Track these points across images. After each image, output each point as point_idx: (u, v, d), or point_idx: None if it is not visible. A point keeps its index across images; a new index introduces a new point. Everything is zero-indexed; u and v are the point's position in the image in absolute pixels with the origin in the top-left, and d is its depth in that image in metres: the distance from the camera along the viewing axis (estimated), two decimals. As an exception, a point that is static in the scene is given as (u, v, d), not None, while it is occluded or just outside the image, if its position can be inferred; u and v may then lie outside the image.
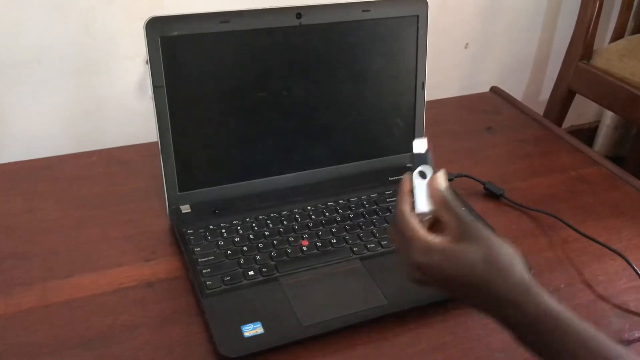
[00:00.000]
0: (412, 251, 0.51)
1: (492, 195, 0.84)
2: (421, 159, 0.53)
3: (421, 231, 0.51)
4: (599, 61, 1.29)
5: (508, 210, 0.82)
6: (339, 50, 0.78)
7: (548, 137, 1.02)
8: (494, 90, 1.17)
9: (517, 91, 1.18)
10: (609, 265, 0.73)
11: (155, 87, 0.70)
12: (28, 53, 1.07)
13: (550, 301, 0.48)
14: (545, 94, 1.65)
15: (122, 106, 1.18)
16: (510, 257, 0.49)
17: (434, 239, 0.51)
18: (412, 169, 0.54)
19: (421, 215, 0.53)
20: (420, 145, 0.54)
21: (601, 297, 0.68)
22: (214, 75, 0.73)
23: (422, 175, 0.52)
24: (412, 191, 0.53)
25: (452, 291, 0.51)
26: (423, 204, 0.51)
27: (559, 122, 1.41)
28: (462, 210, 0.51)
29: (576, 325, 0.47)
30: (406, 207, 0.53)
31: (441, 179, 0.53)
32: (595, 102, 1.34)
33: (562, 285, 0.69)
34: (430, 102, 1.06)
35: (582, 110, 1.77)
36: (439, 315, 0.64)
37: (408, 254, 0.51)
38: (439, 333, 0.62)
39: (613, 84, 1.25)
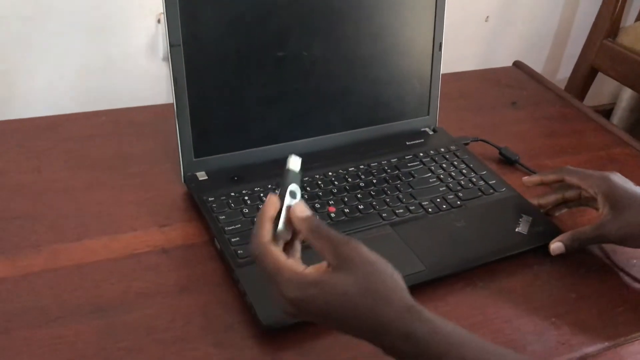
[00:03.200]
0: (282, 285, 0.45)
1: (507, 161, 0.83)
2: (293, 177, 0.49)
3: (288, 262, 0.46)
4: (625, 39, 1.25)
5: (522, 176, 0.78)
6: (359, 8, 0.75)
7: (575, 115, 0.98)
8: (517, 64, 1.14)
9: (535, 68, 1.16)
10: (642, 248, 0.70)
11: (172, 46, 0.66)
12: (37, 7, 1.03)
13: (440, 322, 0.45)
14: (563, 72, 1.61)
15: (132, 67, 1.14)
16: (391, 281, 0.46)
17: (305, 270, 0.46)
18: (281, 188, 0.49)
19: (284, 234, 0.48)
20: (295, 162, 0.50)
21: (637, 282, 0.65)
22: (232, 33, 0.69)
23: (293, 195, 0.48)
24: (274, 216, 0.48)
25: (333, 325, 0.46)
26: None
27: (579, 101, 1.37)
28: (334, 233, 0.46)
29: (471, 344, 0.44)
30: (265, 238, 0.47)
31: (303, 205, 0.49)
32: (619, 81, 1.30)
33: (594, 268, 0.66)
34: (453, 74, 1.03)
35: (597, 92, 1.74)
36: (468, 294, 0.61)
37: (278, 288, 0.46)
38: (468, 313, 0.60)
39: (639, 63, 1.21)
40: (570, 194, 0.70)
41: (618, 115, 1.74)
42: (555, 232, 0.68)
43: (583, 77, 1.32)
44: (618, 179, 0.66)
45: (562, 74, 1.64)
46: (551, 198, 0.71)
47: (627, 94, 1.70)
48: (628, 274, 0.66)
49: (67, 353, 0.52)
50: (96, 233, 0.64)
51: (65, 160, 0.75)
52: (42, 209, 0.67)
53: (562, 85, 1.51)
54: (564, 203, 0.71)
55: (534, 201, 0.72)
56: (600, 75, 1.37)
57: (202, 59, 0.68)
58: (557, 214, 0.73)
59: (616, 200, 0.63)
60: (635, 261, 0.68)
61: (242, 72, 0.71)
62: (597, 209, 0.69)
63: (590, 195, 0.67)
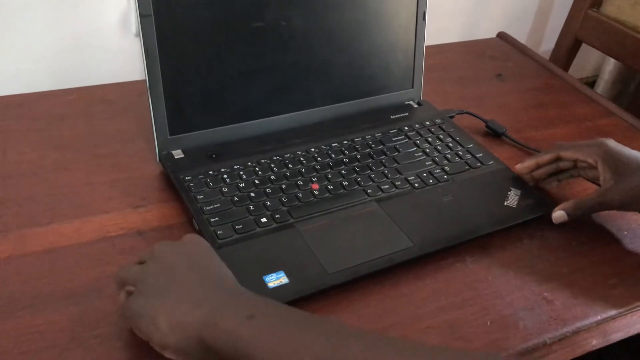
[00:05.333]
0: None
1: (494, 133, 0.81)
2: None
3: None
4: (609, 9, 1.23)
5: (509, 149, 0.79)
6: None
7: (561, 86, 0.97)
8: (501, 36, 1.11)
9: (518, 40, 1.14)
10: (632, 219, 0.68)
11: (143, 17, 0.63)
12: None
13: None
14: (547, 44, 1.59)
15: (103, 42, 1.09)
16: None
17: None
18: None
19: None
20: None
21: (629, 253, 0.64)
22: (206, 3, 0.66)
23: None
24: None
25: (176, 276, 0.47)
26: None
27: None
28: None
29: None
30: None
31: None
32: (603, 51, 1.28)
33: (585, 241, 0.65)
34: (436, 47, 1.01)
35: (580, 64, 1.72)
36: (458, 271, 0.60)
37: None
38: (458, 290, 0.58)
39: (623, 33, 1.19)
40: (564, 164, 0.68)
41: (601, 88, 1.73)
42: (544, 205, 0.67)
43: (567, 48, 1.30)
44: (614, 144, 0.64)
45: (545, 46, 1.62)
46: (545, 169, 0.69)
47: (609, 65, 1.69)
48: (619, 246, 0.65)
49: (38, 343, 0.49)
50: (67, 216, 0.61)
51: (33, 141, 0.71)
52: (9, 192, 0.64)
53: (546, 57, 1.49)
54: (555, 174, 0.70)
55: (526, 175, 0.70)
56: (582, 48, 1.36)
57: (175, 30, 0.65)
58: (547, 187, 0.71)
59: (617, 165, 0.62)
60: (626, 232, 0.66)
61: (217, 44, 0.67)
62: (589, 179, 0.68)
63: (588, 164, 0.65)
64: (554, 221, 0.64)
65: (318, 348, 0.38)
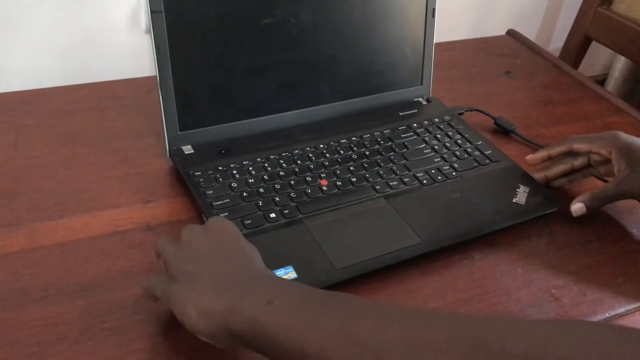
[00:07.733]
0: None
1: (502, 131, 0.81)
2: None
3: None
4: (620, 7, 1.22)
5: (518, 146, 0.79)
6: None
7: (571, 83, 0.96)
8: (511, 33, 1.11)
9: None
10: (641, 218, 0.68)
11: (153, 13, 0.63)
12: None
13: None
14: (557, 42, 1.59)
15: (113, 39, 1.10)
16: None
17: None
18: None
19: None
20: None
21: (637, 251, 0.64)
22: (217, -1, 0.66)
23: None
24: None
25: (207, 265, 0.48)
26: None
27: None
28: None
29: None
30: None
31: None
32: (613, 49, 1.28)
33: (593, 238, 0.65)
34: (445, 44, 1.01)
35: (590, 62, 1.72)
36: (465, 267, 0.60)
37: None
38: (465, 286, 0.58)
39: (634, 31, 1.18)
40: (578, 162, 0.68)
41: (611, 86, 1.73)
42: (552, 202, 0.67)
43: (577, 46, 1.29)
44: (626, 135, 0.65)
45: (555, 44, 1.62)
46: (559, 168, 0.69)
47: (620, 63, 1.69)
48: (627, 243, 0.65)
49: (49, 334, 0.50)
50: (77, 210, 0.62)
51: (44, 136, 0.72)
52: (21, 186, 0.64)
53: (556, 55, 1.48)
54: (567, 174, 0.70)
55: (540, 174, 0.70)
56: (592, 45, 1.35)
57: (185, 26, 0.65)
58: (557, 185, 0.71)
59: (631, 154, 0.62)
60: (634, 230, 0.66)
61: (227, 40, 0.68)
62: (601, 176, 0.68)
63: (602, 157, 0.65)
64: (573, 214, 0.64)
65: (331, 326, 0.40)
